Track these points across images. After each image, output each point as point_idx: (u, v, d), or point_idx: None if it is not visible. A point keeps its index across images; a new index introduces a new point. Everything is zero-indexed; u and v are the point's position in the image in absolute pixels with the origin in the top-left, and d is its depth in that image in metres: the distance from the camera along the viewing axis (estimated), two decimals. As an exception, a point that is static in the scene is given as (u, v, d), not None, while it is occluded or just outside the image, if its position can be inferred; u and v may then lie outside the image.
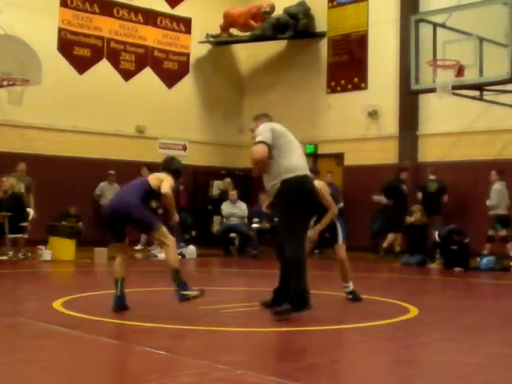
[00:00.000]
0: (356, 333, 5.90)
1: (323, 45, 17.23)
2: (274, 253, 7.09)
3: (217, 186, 16.94)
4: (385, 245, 13.99)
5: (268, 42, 17.63)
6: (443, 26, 11.41)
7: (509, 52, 10.64)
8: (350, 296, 7.60)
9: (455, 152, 14.78)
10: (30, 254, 12.52)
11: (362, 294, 7.64)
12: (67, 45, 15.92)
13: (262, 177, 6.53)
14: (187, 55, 17.97)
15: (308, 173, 6.59)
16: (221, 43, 18.24)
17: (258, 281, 10.27)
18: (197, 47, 17.99)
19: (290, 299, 6.21)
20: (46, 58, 13.60)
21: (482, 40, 11.21)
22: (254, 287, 9.30)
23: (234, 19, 17.68)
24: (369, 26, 16.39)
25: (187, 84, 17.91)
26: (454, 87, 11.23)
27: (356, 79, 16.55)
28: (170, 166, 6.90)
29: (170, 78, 17.60)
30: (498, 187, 13.07)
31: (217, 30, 17.93)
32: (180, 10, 17.73)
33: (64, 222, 13.41)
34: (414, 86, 11.92)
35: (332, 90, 17.03)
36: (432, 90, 11.66)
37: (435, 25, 11.52)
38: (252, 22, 17.42)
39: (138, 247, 14.99)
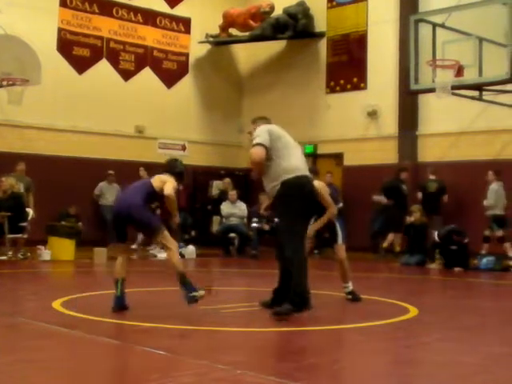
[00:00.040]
0: (356, 333, 5.90)
1: (322, 45, 17.23)
2: (274, 253, 7.10)
3: (216, 186, 16.95)
4: (385, 245, 14.00)
5: (267, 42, 17.63)
6: (443, 26, 11.41)
7: (508, 52, 10.64)
8: (350, 296, 7.60)
9: (455, 152, 14.78)
10: (29, 254, 12.51)
11: (362, 294, 7.64)
12: (67, 45, 15.92)
13: (262, 179, 6.56)
14: (187, 55, 17.97)
15: (308, 173, 6.62)
16: (220, 43, 18.24)
17: (257, 281, 10.27)
18: (196, 47, 17.99)
19: (290, 299, 6.21)
20: (45, 57, 13.60)
21: (481, 40, 11.22)
22: (253, 287, 9.30)
23: (234, 19, 17.67)
24: (368, 26, 16.39)
25: (187, 84, 17.91)
26: (454, 87, 11.23)
27: (355, 79, 16.55)
28: (173, 168, 6.92)
29: (170, 78, 17.60)
30: (495, 187, 13.09)
31: (216, 30, 17.93)
32: (179, 10, 17.73)
33: (63, 222, 13.41)
34: (413, 86, 11.92)
35: (331, 89, 17.03)
36: (431, 90, 11.66)
37: (435, 25, 11.52)
38: (251, 22, 17.42)
39: (134, 246, 14.97)
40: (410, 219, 13.39)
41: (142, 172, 14.79)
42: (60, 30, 15.84)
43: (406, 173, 14.66)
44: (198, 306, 6.45)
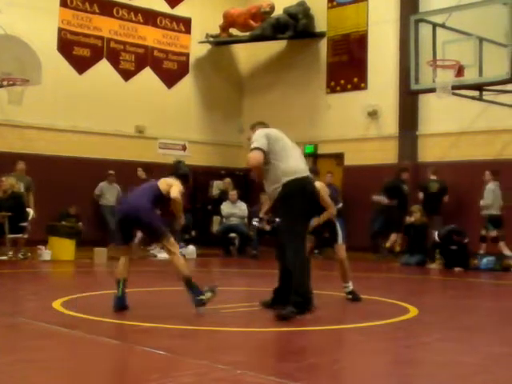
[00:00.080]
0: (356, 333, 5.90)
1: (323, 45, 17.23)
2: (274, 253, 7.10)
3: (217, 186, 16.94)
4: (388, 245, 13.98)
5: (268, 42, 17.62)
6: (443, 26, 11.41)
7: (508, 52, 10.64)
8: (350, 296, 7.60)
9: (455, 152, 14.78)
10: (29, 254, 12.51)
11: (362, 294, 7.64)
12: (67, 45, 15.92)
13: (263, 182, 6.60)
14: (187, 55, 17.97)
15: (308, 174, 6.63)
16: (220, 43, 18.24)
17: (257, 281, 10.27)
18: (196, 47, 17.99)
19: (293, 301, 6.21)
20: (45, 57, 13.60)
21: (481, 40, 11.21)
22: (253, 287, 9.30)
23: (234, 19, 17.67)
24: (368, 26, 16.38)
25: (187, 84, 17.91)
26: (454, 87, 11.23)
27: (356, 79, 16.55)
28: (177, 170, 6.95)
29: (170, 77, 17.60)
30: (491, 187, 13.09)
31: (216, 30, 17.92)
32: (180, 10, 17.73)
33: (64, 222, 13.40)
34: (413, 86, 11.92)
35: (332, 89, 17.02)
36: (432, 90, 11.66)
37: (435, 25, 11.52)
38: (252, 22, 17.42)
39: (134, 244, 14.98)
40: (410, 219, 13.39)
41: (140, 172, 14.79)
42: (60, 29, 15.84)
43: (406, 173, 14.66)
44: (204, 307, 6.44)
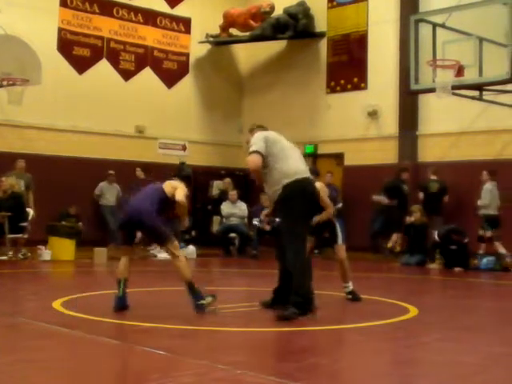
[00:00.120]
0: (356, 333, 5.90)
1: (323, 45, 17.23)
2: (274, 253, 7.11)
3: (217, 186, 16.93)
4: (389, 245, 13.96)
5: (268, 42, 17.62)
6: (443, 26, 11.41)
7: (508, 52, 10.64)
8: (350, 296, 7.61)
9: (455, 152, 14.78)
10: (29, 254, 12.51)
11: (362, 294, 7.65)
12: (67, 45, 15.91)
13: (263, 185, 6.62)
14: (187, 55, 17.97)
15: (308, 174, 6.63)
16: (220, 43, 18.23)
17: (258, 281, 10.27)
18: (196, 47, 17.98)
19: (294, 302, 6.21)
20: (45, 57, 13.59)
21: (481, 40, 11.21)
22: (254, 287, 9.30)
23: (234, 19, 17.67)
24: (368, 26, 16.38)
25: (187, 84, 17.91)
26: (454, 87, 11.22)
27: (356, 79, 16.55)
28: (180, 171, 7.01)
29: (170, 77, 17.59)
30: (489, 187, 13.08)
31: (216, 30, 17.92)
32: (180, 10, 17.72)
33: (64, 222, 13.41)
34: (413, 86, 11.91)
35: (332, 89, 17.02)
36: (432, 90, 11.65)
37: (435, 25, 11.52)
38: (252, 22, 17.42)
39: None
40: (410, 219, 13.39)
41: (139, 172, 14.80)
42: (60, 29, 15.84)
43: (406, 173, 14.67)
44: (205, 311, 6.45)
